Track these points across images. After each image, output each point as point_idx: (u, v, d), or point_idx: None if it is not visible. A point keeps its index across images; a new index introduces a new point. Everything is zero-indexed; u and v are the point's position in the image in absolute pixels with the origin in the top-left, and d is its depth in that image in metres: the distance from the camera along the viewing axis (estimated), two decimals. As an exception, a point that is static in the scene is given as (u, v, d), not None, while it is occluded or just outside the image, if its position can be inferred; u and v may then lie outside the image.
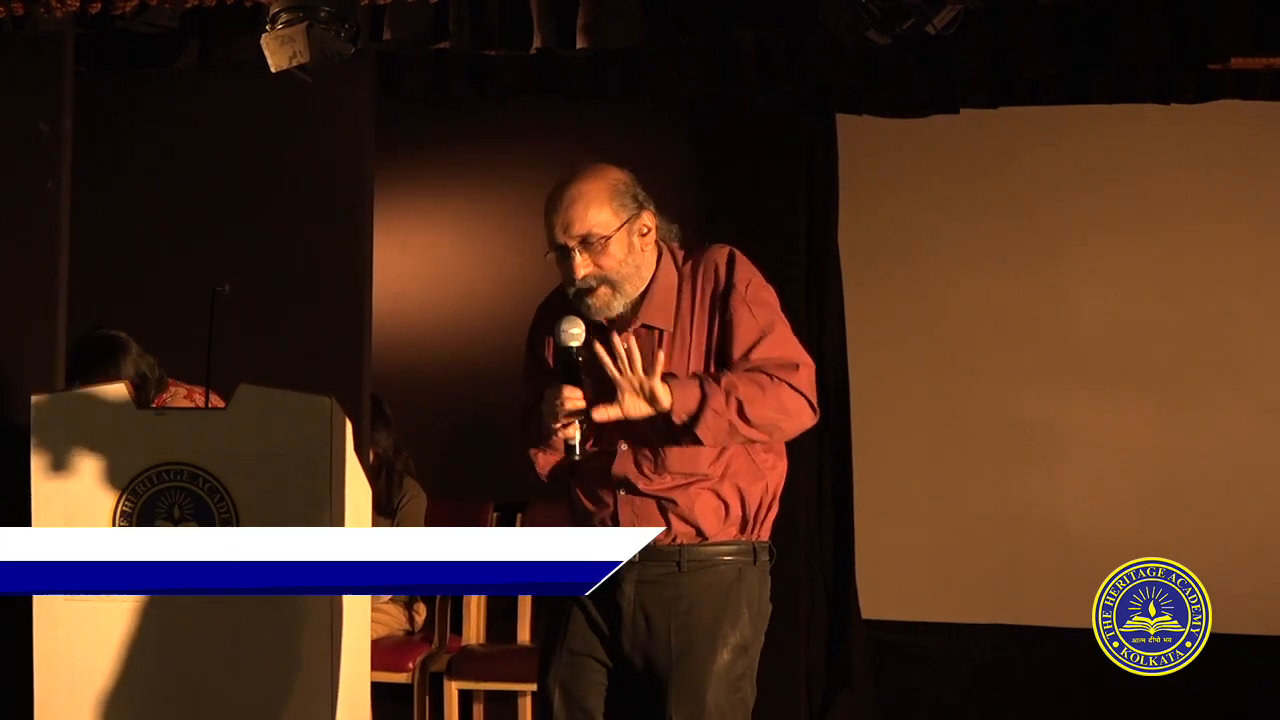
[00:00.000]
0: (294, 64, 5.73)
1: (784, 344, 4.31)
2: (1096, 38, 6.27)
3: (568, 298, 4.34)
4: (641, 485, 4.30)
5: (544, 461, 4.42)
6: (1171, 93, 7.42)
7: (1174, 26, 6.15)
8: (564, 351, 4.24)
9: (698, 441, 4.20)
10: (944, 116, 7.72)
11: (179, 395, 5.89)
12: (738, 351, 4.27)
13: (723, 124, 7.78)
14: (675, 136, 7.52)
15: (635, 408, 4.17)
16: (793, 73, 6.84)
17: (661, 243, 4.42)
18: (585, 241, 4.29)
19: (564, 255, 4.32)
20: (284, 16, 5.73)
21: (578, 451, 4.26)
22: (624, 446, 4.31)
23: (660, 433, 4.26)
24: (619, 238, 4.30)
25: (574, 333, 4.22)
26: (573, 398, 4.20)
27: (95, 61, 6.36)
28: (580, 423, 4.22)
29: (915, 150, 8.08)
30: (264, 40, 5.77)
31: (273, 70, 5.78)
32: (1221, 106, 7.50)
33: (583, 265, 4.29)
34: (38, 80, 5.93)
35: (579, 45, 5.95)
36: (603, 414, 4.17)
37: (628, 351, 4.12)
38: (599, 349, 4.14)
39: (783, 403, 4.23)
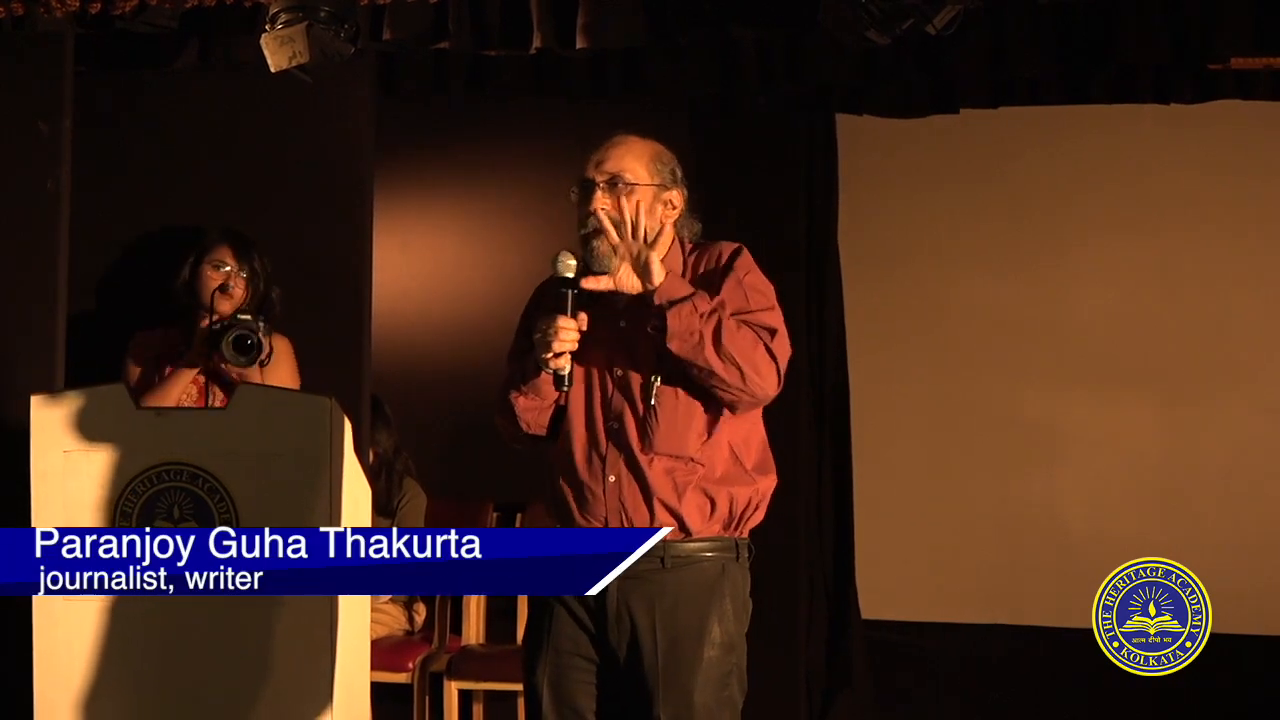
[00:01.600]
0: (294, 64, 5.73)
1: (767, 317, 4.34)
2: (1096, 38, 6.27)
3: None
4: (632, 467, 4.31)
5: (524, 405, 4.41)
6: (1171, 93, 7.42)
7: (1174, 27, 6.15)
8: (559, 282, 4.29)
9: (663, 329, 4.20)
10: (944, 116, 7.72)
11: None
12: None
13: (723, 124, 7.78)
14: (675, 136, 7.42)
15: (628, 278, 4.23)
16: (792, 73, 6.84)
17: (679, 231, 4.45)
18: (611, 182, 4.35)
19: (586, 192, 4.37)
20: (284, 16, 5.73)
21: (566, 383, 4.30)
22: (614, 425, 4.32)
23: (640, 356, 4.30)
24: (644, 192, 4.37)
25: (569, 264, 4.29)
26: (566, 327, 4.24)
27: (95, 61, 6.36)
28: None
29: (915, 150, 8.08)
30: (264, 40, 5.77)
31: (272, 70, 5.78)
32: (1221, 107, 7.50)
33: (600, 202, 4.34)
34: (37, 80, 5.93)
35: (579, 45, 5.95)
36: (593, 283, 4.23)
37: (634, 219, 4.16)
38: (602, 215, 4.22)
39: (753, 354, 4.25)
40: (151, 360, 5.91)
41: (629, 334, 4.33)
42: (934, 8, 5.45)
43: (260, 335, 5.67)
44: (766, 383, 4.29)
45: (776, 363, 4.29)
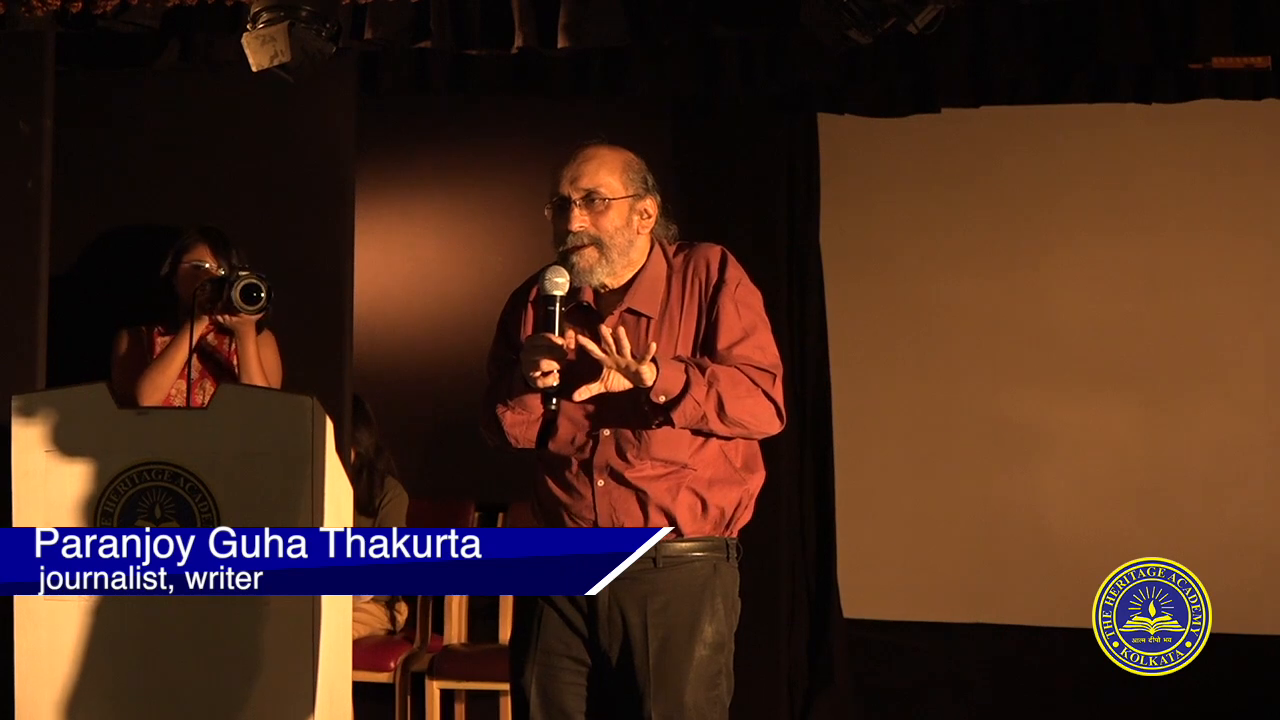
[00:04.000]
0: (275, 63, 5.72)
1: (763, 348, 4.38)
2: (1078, 37, 6.27)
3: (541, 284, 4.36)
4: (625, 472, 4.31)
5: (511, 420, 4.40)
6: (1153, 92, 7.44)
7: (1155, 26, 6.15)
8: (546, 300, 4.27)
9: (670, 422, 4.24)
10: (925, 116, 7.73)
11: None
12: (720, 345, 4.33)
13: (704, 124, 7.78)
14: (656, 136, 7.51)
15: (617, 383, 4.23)
16: (774, 72, 6.84)
17: (656, 237, 4.46)
18: (588, 198, 4.35)
19: (562, 208, 4.38)
20: (265, 16, 5.72)
21: (555, 402, 4.28)
22: (606, 432, 4.32)
23: (636, 416, 4.28)
24: (620, 206, 4.37)
25: (558, 281, 4.28)
26: (553, 345, 4.23)
27: (76, 61, 6.35)
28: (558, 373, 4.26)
29: (896, 150, 8.08)
30: (245, 39, 5.76)
31: (254, 69, 5.77)
32: (1202, 106, 7.52)
33: (578, 219, 4.34)
34: (18, 79, 5.92)
35: (560, 45, 5.94)
36: (584, 393, 4.22)
37: (615, 338, 4.14)
38: (583, 340, 4.17)
39: (755, 408, 4.31)
40: (138, 333, 5.89)
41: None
42: (915, 7, 5.45)
43: (265, 286, 5.66)
44: (769, 428, 4.38)
45: (776, 405, 4.35)
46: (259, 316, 5.69)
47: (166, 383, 5.70)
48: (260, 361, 5.76)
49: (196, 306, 5.69)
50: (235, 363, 5.81)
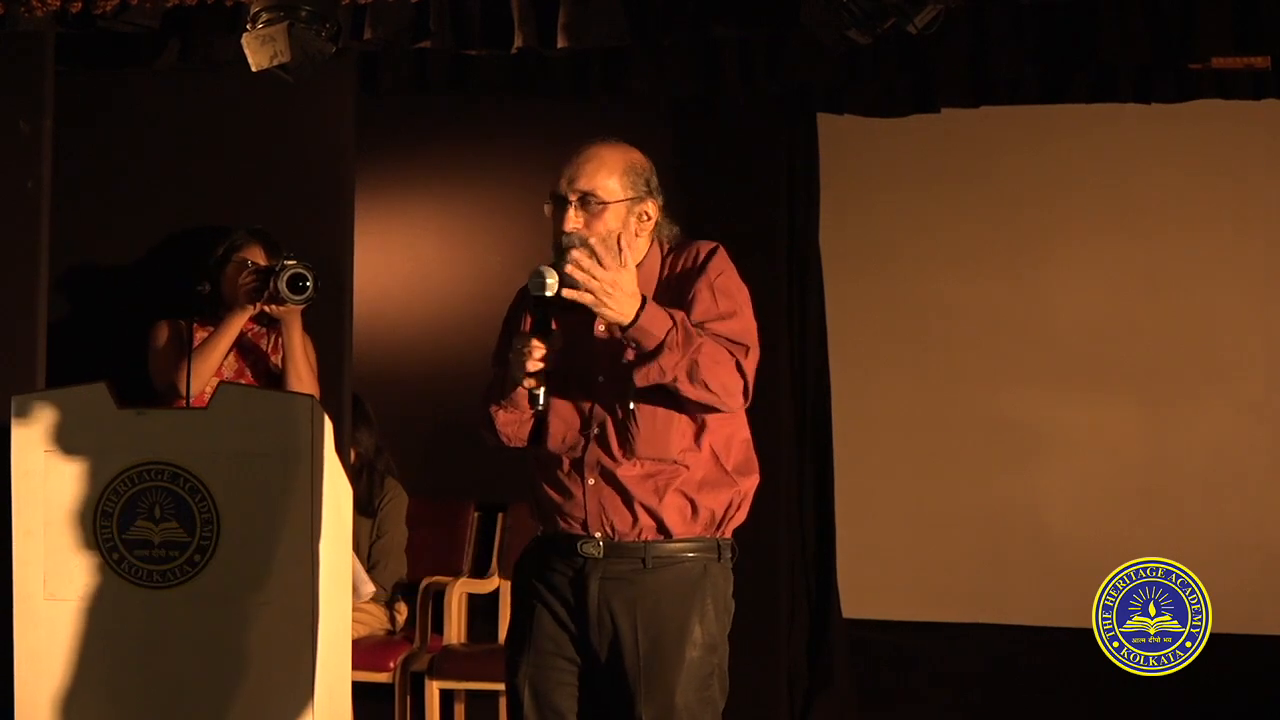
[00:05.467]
0: (275, 63, 5.73)
1: (738, 323, 4.29)
2: (1077, 38, 6.27)
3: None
4: (614, 470, 4.29)
5: (504, 419, 4.38)
6: (1152, 92, 7.44)
7: (1155, 26, 6.16)
8: (534, 300, 4.23)
9: (646, 359, 4.15)
10: (925, 116, 7.73)
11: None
12: (694, 318, 4.24)
13: (704, 124, 7.78)
14: (656, 136, 7.47)
15: (607, 311, 4.13)
16: (774, 72, 6.83)
17: (656, 237, 4.44)
18: (584, 200, 4.30)
19: (560, 207, 4.33)
20: (265, 16, 5.72)
21: (541, 402, 4.25)
22: (596, 431, 4.31)
23: (625, 408, 4.28)
24: (616, 209, 4.32)
25: (548, 282, 4.20)
26: (538, 347, 4.20)
27: (76, 60, 6.35)
28: (545, 376, 4.23)
29: (896, 150, 8.08)
30: (245, 40, 5.76)
31: (254, 70, 5.78)
32: (1202, 106, 7.52)
33: (573, 220, 4.29)
34: (18, 79, 5.93)
35: (560, 45, 5.94)
36: (574, 293, 4.12)
37: (591, 253, 4.09)
38: (567, 292, 4.10)
39: (726, 381, 4.21)
40: (177, 325, 5.91)
41: (610, 340, 4.30)
42: (915, 7, 5.45)
43: (311, 275, 5.69)
44: (733, 401, 4.26)
45: (745, 380, 4.26)
46: (304, 306, 5.73)
47: (206, 373, 5.74)
48: (306, 352, 5.81)
49: (243, 297, 5.74)
50: (274, 357, 5.86)
